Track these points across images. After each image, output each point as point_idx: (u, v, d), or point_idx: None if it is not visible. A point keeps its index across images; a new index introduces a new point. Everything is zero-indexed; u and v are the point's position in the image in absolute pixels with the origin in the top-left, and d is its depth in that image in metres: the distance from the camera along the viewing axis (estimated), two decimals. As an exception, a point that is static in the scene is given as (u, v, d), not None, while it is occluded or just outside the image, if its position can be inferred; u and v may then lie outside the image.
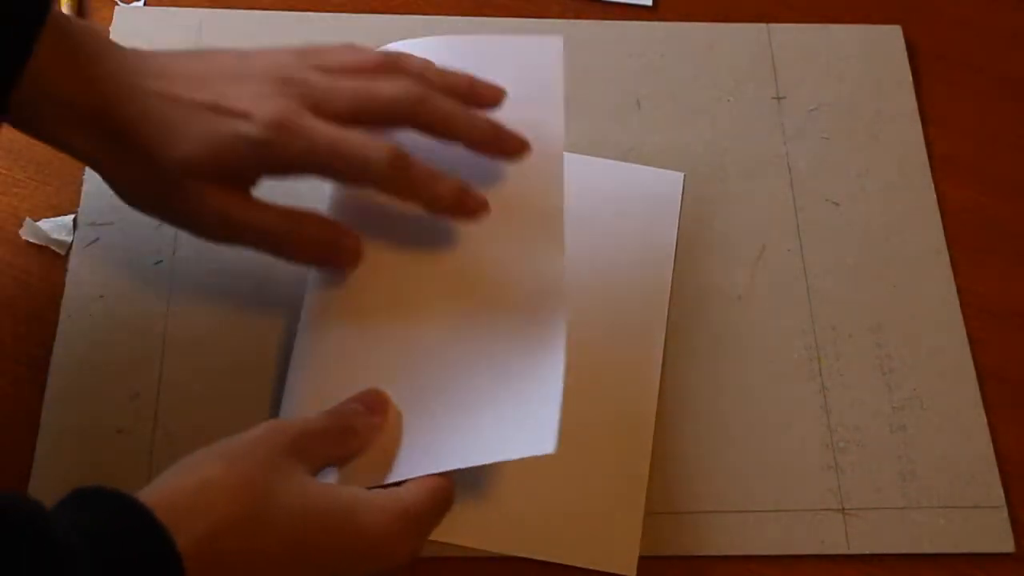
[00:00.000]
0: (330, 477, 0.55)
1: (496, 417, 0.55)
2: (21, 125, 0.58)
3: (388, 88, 0.58)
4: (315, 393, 0.58)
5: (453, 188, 0.58)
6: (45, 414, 0.61)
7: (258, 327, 0.65)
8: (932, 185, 0.72)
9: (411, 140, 0.59)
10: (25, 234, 0.67)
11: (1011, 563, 0.62)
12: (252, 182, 0.58)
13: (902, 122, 0.74)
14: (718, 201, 0.71)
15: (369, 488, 0.54)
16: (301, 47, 0.60)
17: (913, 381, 0.66)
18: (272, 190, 0.58)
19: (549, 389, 0.54)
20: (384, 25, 0.75)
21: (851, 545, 0.61)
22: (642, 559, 0.60)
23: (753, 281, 0.68)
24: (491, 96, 0.61)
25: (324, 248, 0.59)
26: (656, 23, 0.77)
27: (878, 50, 0.77)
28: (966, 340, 0.67)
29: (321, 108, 0.57)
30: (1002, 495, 0.63)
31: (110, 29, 0.72)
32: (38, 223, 0.67)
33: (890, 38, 0.77)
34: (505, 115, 0.60)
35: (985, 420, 0.65)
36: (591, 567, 0.60)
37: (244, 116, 0.56)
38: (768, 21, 0.77)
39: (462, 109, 0.59)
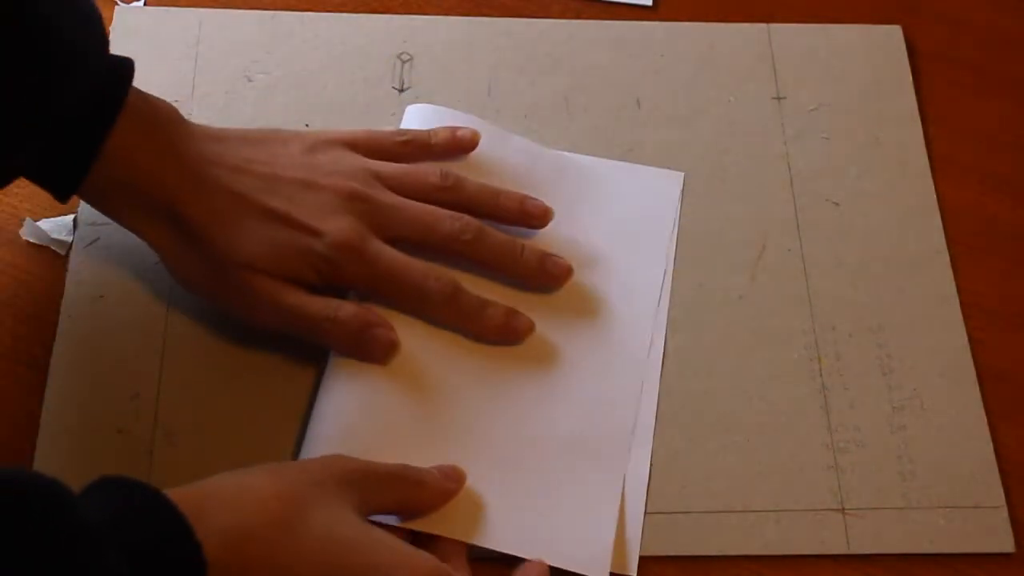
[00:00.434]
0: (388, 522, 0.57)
1: (553, 519, 0.60)
2: (90, 201, 0.60)
3: (448, 225, 0.63)
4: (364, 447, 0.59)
5: (499, 316, 0.63)
6: (45, 414, 0.61)
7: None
8: (932, 185, 0.72)
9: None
10: (25, 234, 0.67)
11: (1011, 563, 0.62)
12: (308, 284, 0.61)
13: (902, 122, 0.74)
14: (718, 201, 0.71)
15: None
16: (355, 135, 0.65)
17: (913, 381, 0.66)
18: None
19: (607, 508, 0.60)
20: (384, 25, 0.75)
21: (851, 545, 0.61)
22: (642, 559, 0.60)
23: (753, 281, 0.68)
24: (540, 216, 0.66)
25: (360, 343, 0.61)
26: (656, 23, 0.77)
27: (878, 50, 0.77)
28: (966, 340, 0.67)
29: (384, 231, 0.61)
30: (1002, 495, 0.63)
31: (110, 29, 0.72)
32: (38, 223, 0.66)
33: (890, 38, 0.77)
34: (613, 241, 0.68)
35: (985, 420, 0.65)
36: (591, 567, 0.59)
37: (314, 233, 0.60)
38: (768, 21, 0.77)
39: (511, 247, 0.64)
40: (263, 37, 0.74)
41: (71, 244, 0.66)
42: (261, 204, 0.60)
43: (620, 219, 0.69)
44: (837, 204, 0.71)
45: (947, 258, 0.70)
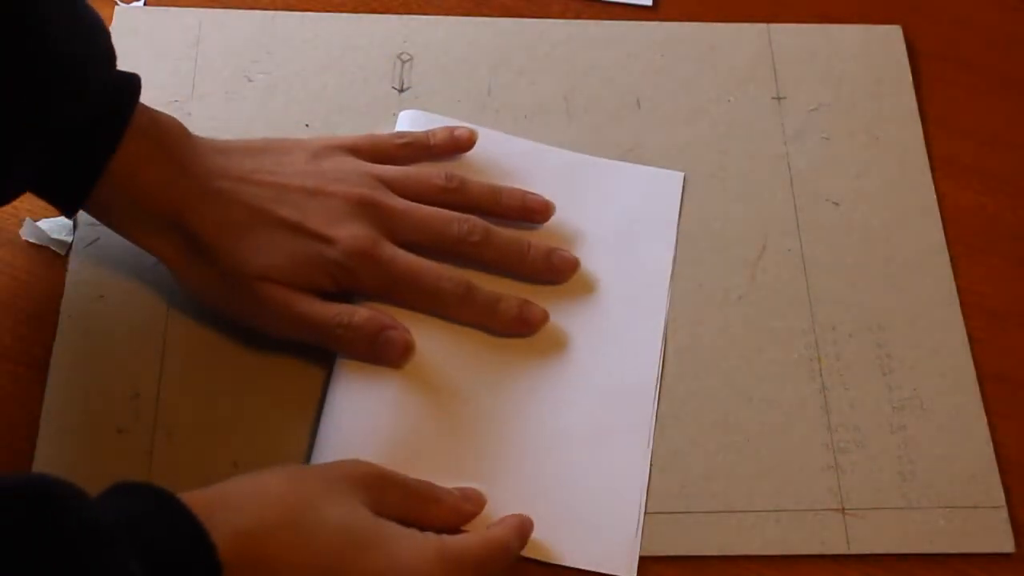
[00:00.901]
0: None
1: (574, 520, 0.60)
2: (98, 217, 0.61)
3: (456, 227, 0.64)
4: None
5: (513, 309, 0.64)
6: (45, 414, 0.61)
7: (258, 327, 0.64)
8: (932, 185, 0.72)
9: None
10: (25, 234, 0.67)
11: (1011, 563, 0.62)
12: (320, 292, 0.61)
13: (902, 122, 0.74)
14: (718, 201, 0.71)
15: None
16: (356, 141, 0.66)
17: (913, 381, 0.66)
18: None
19: (629, 505, 0.61)
20: (384, 25, 0.75)
21: (851, 545, 0.61)
22: (642, 559, 0.60)
23: (753, 281, 0.68)
24: (541, 210, 0.68)
25: (375, 348, 0.62)
26: (656, 23, 0.77)
27: (878, 50, 0.76)
28: (966, 340, 0.67)
29: (394, 235, 0.62)
30: (1002, 495, 0.63)
31: (110, 29, 0.72)
32: (38, 223, 0.66)
33: (890, 38, 0.77)
34: (618, 237, 0.68)
35: (985, 420, 0.65)
36: (592, 568, 0.60)
37: (327, 240, 0.60)
38: (768, 21, 0.77)
39: (518, 245, 0.66)
40: (263, 37, 0.74)
41: (71, 244, 0.66)
42: (272, 214, 0.60)
43: (622, 217, 0.69)
44: (837, 204, 0.71)
45: (947, 258, 0.70)
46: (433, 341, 0.63)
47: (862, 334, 0.67)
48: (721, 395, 0.65)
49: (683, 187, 0.71)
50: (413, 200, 0.64)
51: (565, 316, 0.66)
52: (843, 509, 0.62)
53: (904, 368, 0.66)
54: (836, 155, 0.73)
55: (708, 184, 0.71)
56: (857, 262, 0.69)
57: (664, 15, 0.77)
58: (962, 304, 0.68)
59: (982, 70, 0.77)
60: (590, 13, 0.77)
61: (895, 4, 0.79)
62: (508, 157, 0.70)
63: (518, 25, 0.76)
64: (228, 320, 0.63)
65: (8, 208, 0.67)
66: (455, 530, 0.58)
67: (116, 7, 0.74)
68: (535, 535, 0.59)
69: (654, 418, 0.64)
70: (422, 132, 0.68)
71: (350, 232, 0.61)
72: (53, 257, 0.66)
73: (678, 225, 0.69)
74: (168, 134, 0.59)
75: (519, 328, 0.64)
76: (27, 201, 0.67)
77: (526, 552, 0.59)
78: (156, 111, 0.60)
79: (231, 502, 0.51)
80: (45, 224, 0.67)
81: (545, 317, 0.65)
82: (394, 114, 0.72)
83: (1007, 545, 0.62)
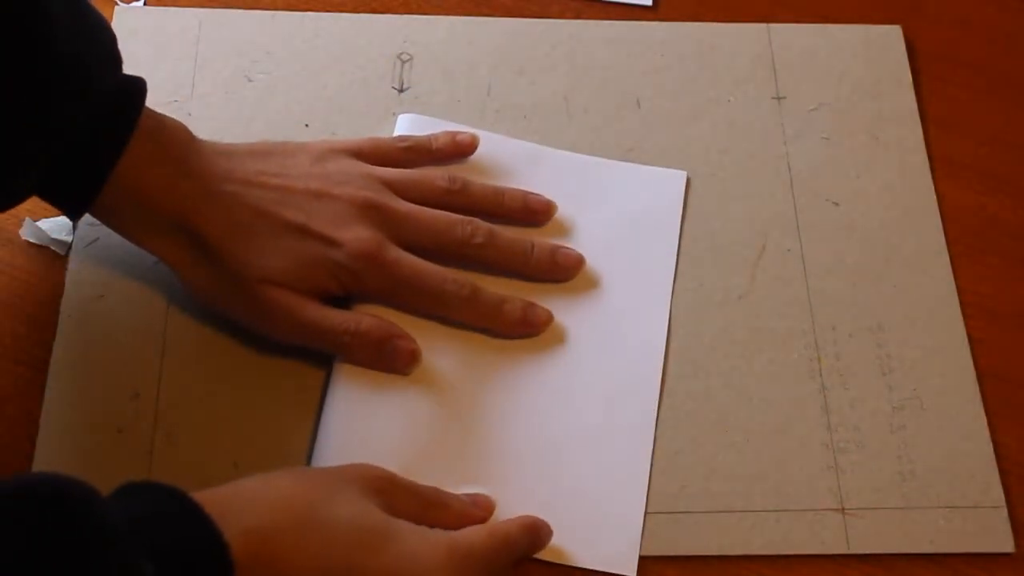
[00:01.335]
0: None
1: (578, 520, 0.60)
2: (103, 219, 0.61)
3: (460, 230, 0.64)
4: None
5: (518, 311, 0.64)
6: (45, 414, 0.61)
7: (258, 327, 0.64)
8: (932, 185, 0.72)
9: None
10: (25, 234, 0.67)
11: (1011, 563, 0.62)
12: (325, 295, 0.61)
13: (902, 122, 0.74)
14: (718, 201, 0.71)
15: None
16: (359, 144, 0.66)
17: (913, 381, 0.66)
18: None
19: (632, 503, 0.61)
20: (384, 25, 0.75)
21: (851, 545, 0.61)
22: (642, 559, 0.60)
23: (753, 281, 0.68)
24: (543, 210, 0.68)
25: (382, 355, 0.62)
26: (656, 23, 0.77)
27: (878, 50, 0.76)
28: (966, 340, 0.67)
29: (399, 238, 0.62)
30: (1002, 495, 0.63)
31: (110, 29, 0.72)
32: (38, 223, 0.66)
33: (890, 38, 0.77)
34: (621, 237, 0.68)
35: (985, 420, 0.65)
36: (592, 567, 0.60)
37: (332, 243, 0.60)
38: (768, 21, 0.77)
39: (521, 246, 0.66)
40: (263, 37, 0.74)
41: (71, 244, 0.66)
42: (277, 216, 0.60)
43: (625, 218, 0.69)
44: (837, 204, 0.71)
45: (947, 258, 0.70)
46: (435, 342, 0.63)
47: (862, 334, 0.67)
48: (721, 395, 0.65)
49: (685, 187, 0.71)
50: (416, 203, 0.64)
51: (568, 318, 0.66)
52: (843, 509, 0.62)
53: (904, 368, 0.66)
54: (836, 155, 0.73)
55: (708, 184, 0.71)
56: (857, 262, 0.69)
57: (664, 15, 0.77)
58: (962, 304, 0.68)
59: (982, 70, 0.77)
60: (590, 13, 0.77)
61: (895, 4, 0.79)
62: (509, 159, 0.70)
63: (518, 25, 0.76)
64: (232, 323, 0.63)
65: (8, 208, 0.67)
66: None
67: (116, 7, 0.74)
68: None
69: (654, 417, 0.64)
70: (424, 136, 0.69)
71: (355, 235, 0.61)
72: (53, 257, 0.66)
73: (680, 225, 0.70)
74: (173, 137, 0.60)
75: (524, 329, 0.65)
76: (28, 201, 0.67)
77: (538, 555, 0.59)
78: (160, 114, 0.60)
79: (242, 501, 0.51)
80: (45, 224, 0.66)
81: (549, 318, 0.65)
82: (394, 114, 0.72)
83: (1007, 545, 0.62)
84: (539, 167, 0.70)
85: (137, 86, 0.58)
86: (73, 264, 0.66)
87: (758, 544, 0.61)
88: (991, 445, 0.64)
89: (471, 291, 0.63)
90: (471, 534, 0.56)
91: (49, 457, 0.60)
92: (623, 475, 0.62)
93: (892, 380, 0.66)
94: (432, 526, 0.56)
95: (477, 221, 0.65)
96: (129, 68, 0.59)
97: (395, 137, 0.69)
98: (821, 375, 0.66)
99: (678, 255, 0.69)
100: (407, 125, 0.71)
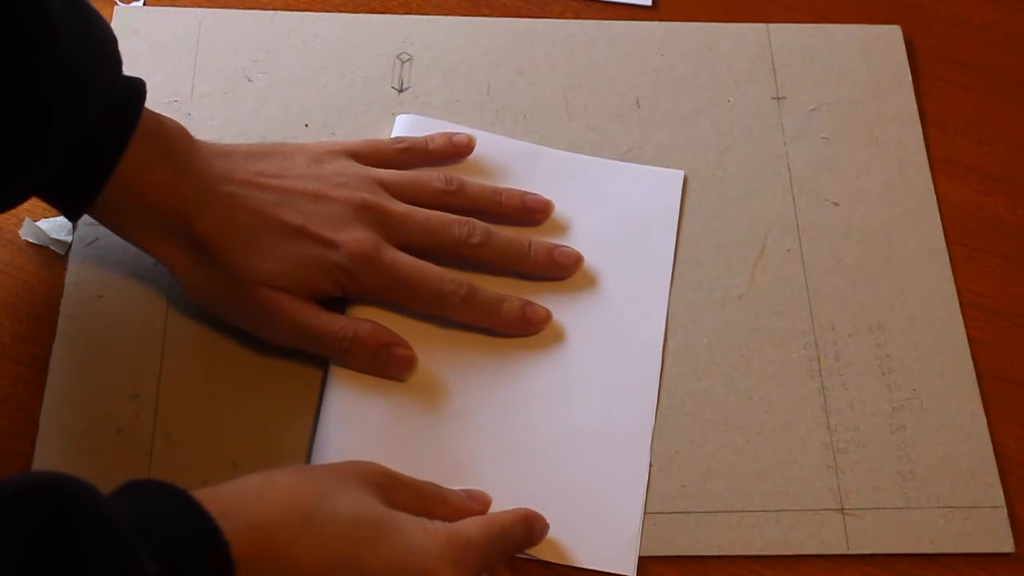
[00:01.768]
0: None
1: (577, 519, 0.60)
2: (101, 220, 0.61)
3: (456, 230, 0.64)
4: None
5: (516, 309, 0.64)
6: (45, 414, 0.61)
7: (258, 327, 0.64)
8: (932, 185, 0.72)
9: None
10: (25, 234, 0.67)
11: (1011, 563, 0.62)
12: (323, 297, 0.62)
13: (902, 122, 0.74)
14: (718, 201, 0.71)
15: None
16: (356, 145, 0.66)
17: (913, 381, 0.66)
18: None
19: (630, 502, 0.61)
20: (384, 25, 0.75)
21: (851, 545, 0.61)
22: (642, 559, 0.60)
23: (753, 281, 0.68)
24: (541, 210, 0.68)
25: (378, 361, 0.62)
26: (656, 23, 0.77)
27: (878, 50, 0.77)
28: (966, 340, 0.67)
29: (396, 239, 0.63)
30: (1002, 495, 0.63)
31: (110, 29, 0.72)
32: (38, 223, 0.66)
33: (890, 38, 0.77)
34: (619, 235, 0.68)
35: (985, 420, 0.65)
36: (591, 567, 0.60)
37: (330, 244, 0.61)
38: (768, 21, 0.77)
39: (519, 245, 0.66)
40: (263, 37, 0.74)
41: (70, 244, 0.66)
42: (275, 217, 0.60)
43: (623, 217, 0.69)
44: (837, 204, 0.71)
45: (946, 258, 0.70)
46: (433, 342, 0.63)
47: (862, 334, 0.67)
48: (721, 395, 0.65)
49: (683, 186, 0.71)
50: (413, 203, 0.64)
51: (566, 317, 0.66)
52: (843, 509, 0.62)
53: (904, 368, 0.66)
54: (836, 155, 0.73)
55: (708, 184, 0.71)
56: (857, 262, 0.69)
57: (664, 15, 0.77)
58: (962, 304, 0.68)
59: (982, 70, 0.77)
60: (590, 13, 0.77)
61: (895, 4, 0.79)
62: (507, 159, 0.70)
63: (518, 25, 0.76)
64: (234, 323, 0.63)
65: (8, 208, 0.67)
66: None
67: (116, 7, 0.74)
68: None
69: (654, 417, 0.64)
70: (421, 137, 0.69)
71: (353, 236, 0.61)
72: (53, 257, 0.66)
73: (679, 224, 0.69)
74: (172, 138, 0.60)
75: (522, 328, 0.65)
76: (28, 201, 0.67)
77: (536, 555, 0.59)
78: (159, 115, 0.60)
79: (242, 498, 0.51)
80: (45, 224, 0.66)
81: (548, 316, 0.65)
82: (393, 114, 0.72)
83: (1007, 545, 0.62)
84: (536, 167, 0.70)
85: (137, 87, 0.58)
86: (73, 264, 0.66)
87: (758, 544, 0.61)
88: (991, 445, 0.64)
89: (469, 291, 0.63)
90: (469, 525, 0.56)
91: (49, 457, 0.60)
92: (622, 475, 0.62)
93: (892, 380, 0.66)
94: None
95: (474, 221, 0.65)
96: (129, 68, 0.59)
97: (392, 139, 0.69)
98: (821, 375, 0.66)
99: (676, 254, 0.69)
100: (405, 126, 0.71)
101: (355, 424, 0.61)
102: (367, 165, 0.65)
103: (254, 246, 0.60)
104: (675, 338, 0.66)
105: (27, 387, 0.62)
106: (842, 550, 0.61)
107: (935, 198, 0.72)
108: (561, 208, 0.69)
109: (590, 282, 0.67)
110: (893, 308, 0.68)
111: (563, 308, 0.66)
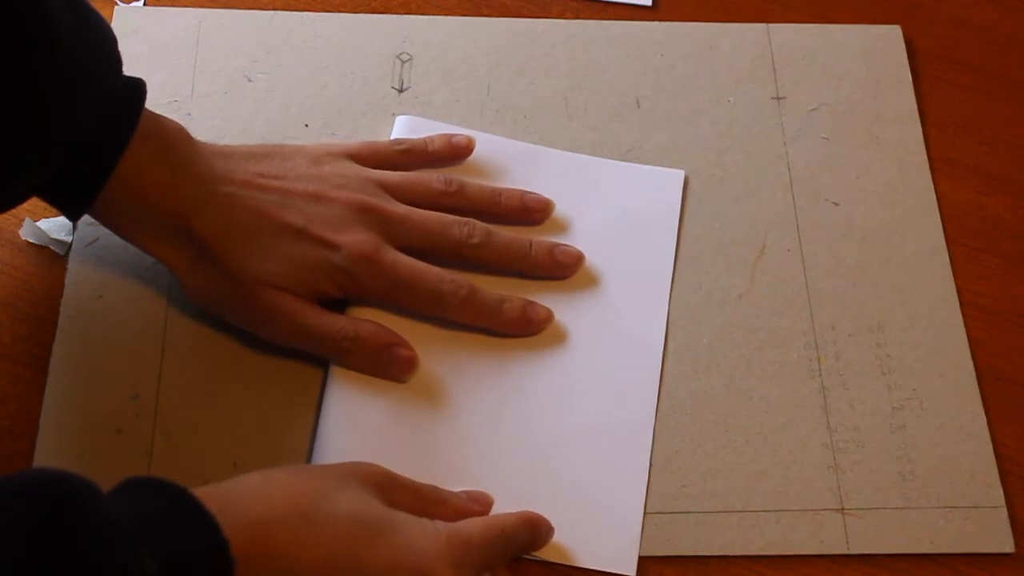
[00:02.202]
0: None
1: (577, 519, 0.60)
2: (101, 220, 0.61)
3: (456, 231, 0.64)
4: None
5: (517, 309, 0.64)
6: (45, 414, 0.61)
7: (258, 327, 0.64)
8: (932, 185, 0.72)
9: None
10: (25, 234, 0.67)
11: (1011, 563, 0.62)
12: (324, 298, 0.62)
13: (902, 122, 0.74)
14: (718, 201, 0.71)
15: None
16: (356, 147, 0.66)
17: (913, 381, 0.66)
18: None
19: (631, 502, 0.61)
20: (384, 25, 0.75)
21: (851, 545, 0.61)
22: (642, 559, 0.60)
23: (753, 281, 0.68)
24: (541, 209, 0.68)
25: (379, 362, 0.62)
26: (656, 23, 0.77)
27: (878, 50, 0.77)
28: (966, 340, 0.67)
29: (396, 240, 0.62)
30: (1002, 495, 0.63)
31: (110, 29, 0.72)
32: (38, 223, 0.66)
33: (890, 38, 0.77)
34: (619, 235, 0.68)
35: (985, 420, 0.65)
36: (591, 567, 0.60)
37: (331, 246, 0.61)
38: (768, 21, 0.77)
39: (519, 245, 0.66)
40: (263, 37, 0.74)
41: (70, 244, 0.66)
42: (276, 219, 0.60)
43: (623, 217, 0.69)
44: (837, 204, 0.71)
45: (946, 258, 0.70)
46: (433, 343, 0.63)
47: (862, 334, 0.67)
48: (721, 395, 0.65)
49: (683, 186, 0.71)
50: (413, 205, 0.64)
51: (566, 317, 0.66)
52: (843, 509, 0.62)
53: (904, 368, 0.66)
54: (836, 155, 0.73)
55: (708, 184, 0.71)
56: (857, 262, 0.69)
57: (664, 15, 0.77)
58: (962, 304, 0.68)
59: (982, 70, 0.77)
60: (590, 13, 0.77)
61: (895, 4, 0.79)
62: (507, 160, 0.70)
63: (518, 25, 0.76)
64: (235, 323, 0.63)
65: (8, 208, 0.67)
66: None
67: (116, 7, 0.74)
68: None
69: (654, 417, 0.64)
70: (420, 139, 0.69)
71: (354, 237, 0.61)
72: (53, 257, 0.66)
73: (679, 224, 0.69)
74: (172, 139, 0.60)
75: (523, 328, 0.65)
76: (28, 201, 0.67)
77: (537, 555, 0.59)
78: (159, 115, 0.60)
79: (241, 496, 0.51)
80: (45, 224, 0.67)
81: (549, 316, 0.65)
82: (393, 114, 0.72)
83: (1007, 545, 0.62)
84: (536, 167, 0.70)
85: (137, 88, 0.59)
86: (73, 264, 0.66)
87: (758, 544, 0.61)
88: (991, 445, 0.64)
89: (469, 291, 0.63)
90: (469, 525, 0.56)
91: (49, 457, 0.60)
92: (622, 474, 0.62)
93: (892, 380, 0.66)
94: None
95: (474, 221, 0.65)
96: (129, 68, 0.59)
97: (391, 140, 0.69)
98: (821, 375, 0.66)
99: (677, 254, 0.69)
100: (404, 127, 0.71)
101: (355, 424, 0.61)
102: (367, 166, 0.65)
103: (254, 247, 0.60)
104: (675, 338, 0.66)
105: (27, 387, 0.62)
106: (842, 550, 0.61)
107: (935, 198, 0.72)
108: (561, 208, 0.69)
109: (590, 282, 0.67)
110: (893, 308, 0.68)
111: (563, 308, 0.66)
